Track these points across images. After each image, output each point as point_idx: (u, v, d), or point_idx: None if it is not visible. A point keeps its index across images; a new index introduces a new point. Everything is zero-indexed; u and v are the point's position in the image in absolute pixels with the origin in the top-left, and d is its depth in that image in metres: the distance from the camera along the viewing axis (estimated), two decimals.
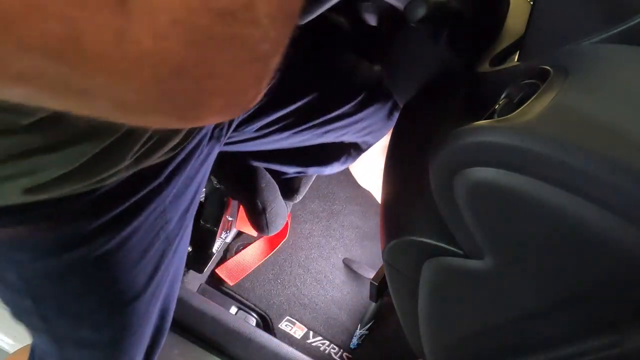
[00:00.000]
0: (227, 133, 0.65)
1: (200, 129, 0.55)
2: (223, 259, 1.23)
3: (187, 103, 0.25)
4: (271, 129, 0.72)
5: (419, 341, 0.58)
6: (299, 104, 0.71)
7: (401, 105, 0.76)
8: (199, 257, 1.09)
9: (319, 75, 0.73)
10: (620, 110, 0.36)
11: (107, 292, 0.54)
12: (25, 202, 0.42)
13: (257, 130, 0.72)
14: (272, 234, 0.97)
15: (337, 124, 0.74)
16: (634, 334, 0.38)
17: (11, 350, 1.09)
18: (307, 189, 0.98)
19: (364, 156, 0.85)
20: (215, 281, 1.20)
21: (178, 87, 0.24)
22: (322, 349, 1.16)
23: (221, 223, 1.04)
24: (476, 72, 0.57)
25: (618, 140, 0.33)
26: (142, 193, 0.50)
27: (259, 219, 0.92)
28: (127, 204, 0.49)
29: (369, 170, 0.96)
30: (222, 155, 0.67)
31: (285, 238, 1.28)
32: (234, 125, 0.67)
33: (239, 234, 1.26)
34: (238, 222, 1.13)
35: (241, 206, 1.05)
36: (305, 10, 0.53)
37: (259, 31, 0.24)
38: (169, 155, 0.50)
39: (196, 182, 0.59)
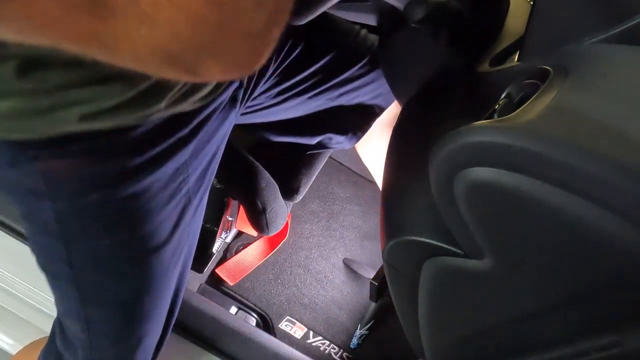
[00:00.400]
0: (242, 101, 0.68)
1: (227, 87, 0.59)
2: (223, 259, 1.23)
3: (189, 64, 0.31)
4: (287, 94, 0.77)
5: (419, 341, 0.58)
6: (312, 69, 0.76)
7: (401, 105, 0.76)
8: (199, 257, 1.08)
9: (328, 42, 0.78)
10: (620, 110, 0.36)
11: (132, 237, 0.57)
12: (77, 130, 0.47)
13: (274, 97, 0.77)
14: (272, 234, 0.97)
15: (348, 86, 0.79)
16: (634, 334, 0.38)
17: (11, 350, 1.09)
18: (307, 189, 0.98)
19: (370, 134, 0.88)
20: (215, 281, 1.20)
21: (178, 51, 0.29)
22: (322, 349, 1.16)
23: (221, 223, 1.04)
24: (476, 72, 0.57)
25: (618, 140, 0.33)
26: (171, 140, 0.54)
27: (259, 219, 0.92)
28: (158, 149, 0.53)
29: (374, 148, 0.97)
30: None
31: (285, 238, 1.28)
32: (249, 94, 0.70)
33: (239, 234, 1.26)
34: (238, 222, 1.13)
35: (241, 206, 1.05)
36: (305, 10, 0.53)
37: (248, 16, 0.29)
38: (199, 104, 0.55)
39: (214, 143, 0.62)
